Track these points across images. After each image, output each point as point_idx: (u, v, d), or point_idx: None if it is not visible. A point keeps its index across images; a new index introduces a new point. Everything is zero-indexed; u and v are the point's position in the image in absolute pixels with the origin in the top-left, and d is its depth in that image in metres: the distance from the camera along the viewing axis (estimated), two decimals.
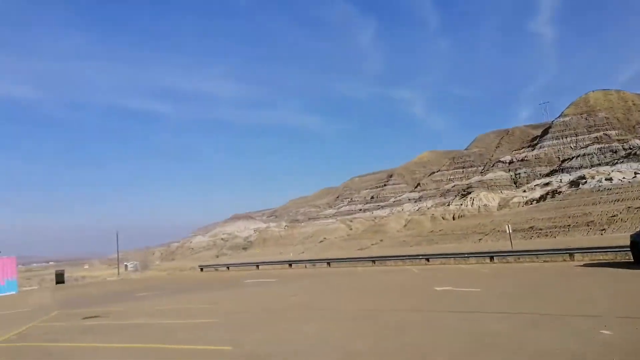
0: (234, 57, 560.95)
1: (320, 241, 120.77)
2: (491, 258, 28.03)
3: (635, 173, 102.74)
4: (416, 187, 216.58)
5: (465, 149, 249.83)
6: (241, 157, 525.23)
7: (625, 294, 12.16)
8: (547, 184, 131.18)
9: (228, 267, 46.63)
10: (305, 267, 39.52)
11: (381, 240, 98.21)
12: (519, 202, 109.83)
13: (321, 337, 9.31)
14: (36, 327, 13.84)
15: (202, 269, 48.73)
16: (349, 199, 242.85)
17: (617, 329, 7.65)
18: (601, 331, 7.49)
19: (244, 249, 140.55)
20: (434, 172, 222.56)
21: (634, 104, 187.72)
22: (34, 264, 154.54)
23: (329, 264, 37.61)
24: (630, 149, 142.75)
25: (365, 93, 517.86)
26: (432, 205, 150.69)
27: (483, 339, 7.81)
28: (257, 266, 43.19)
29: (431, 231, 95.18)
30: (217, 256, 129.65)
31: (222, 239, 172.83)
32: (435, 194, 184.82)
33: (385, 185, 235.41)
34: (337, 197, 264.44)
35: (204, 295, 20.82)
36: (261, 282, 26.55)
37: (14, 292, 32.29)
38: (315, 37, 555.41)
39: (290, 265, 40.99)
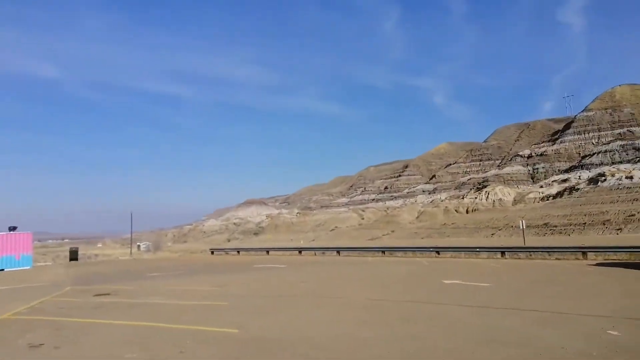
0: (256, 42, 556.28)
1: (332, 229, 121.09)
2: (502, 253, 27.77)
3: None
4: (431, 178, 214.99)
5: (484, 142, 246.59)
6: (258, 142, 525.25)
7: (636, 295, 11.96)
8: (565, 180, 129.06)
9: (238, 252, 47.08)
10: (315, 254, 39.67)
11: (392, 231, 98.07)
12: (535, 198, 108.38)
13: (330, 324, 9.34)
14: (48, 301, 14.16)
15: (212, 252, 49.28)
16: (363, 189, 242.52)
17: (624, 330, 7.54)
18: (608, 331, 7.39)
19: (255, 234, 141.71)
20: (450, 164, 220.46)
21: None
22: (50, 241, 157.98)
23: (338, 252, 37.69)
24: None
25: (386, 81, 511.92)
26: (446, 198, 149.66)
27: (490, 333, 7.76)
28: (268, 252, 43.52)
29: (444, 224, 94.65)
30: (229, 240, 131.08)
31: (234, 223, 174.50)
32: (450, 187, 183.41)
33: (400, 175, 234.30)
34: (351, 186, 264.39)
35: (214, 278, 21.06)
36: (271, 267, 26.75)
37: (28, 267, 33.04)
38: (340, 23, 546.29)
39: (300, 252, 41.21)
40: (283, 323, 9.63)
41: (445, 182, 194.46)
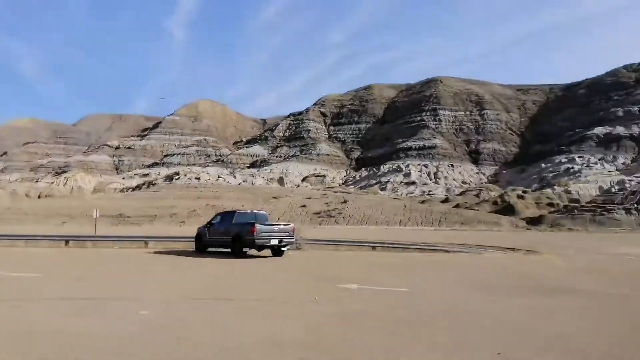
0: None
1: None
2: (66, 242, 26.73)
3: (219, 176, 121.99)
4: (2, 155, 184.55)
5: (73, 125, 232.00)
6: None
7: (174, 279, 13.94)
8: (146, 175, 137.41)
9: None
10: None
11: None
12: (116, 189, 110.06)
13: None
14: None
15: None
16: None
17: (152, 309, 8.57)
18: (139, 312, 8.21)
19: None
20: (29, 143, 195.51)
21: (231, 120, 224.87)
22: None
23: None
24: (221, 155, 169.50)
25: None
26: (17, 180, 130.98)
27: (31, 332, 7.12)
28: None
29: (8, 208, 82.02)
30: None
31: None
32: (25, 167, 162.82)
33: None
34: None
35: None
36: None
37: None
38: None
39: None
40: None
41: (20, 161, 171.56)
